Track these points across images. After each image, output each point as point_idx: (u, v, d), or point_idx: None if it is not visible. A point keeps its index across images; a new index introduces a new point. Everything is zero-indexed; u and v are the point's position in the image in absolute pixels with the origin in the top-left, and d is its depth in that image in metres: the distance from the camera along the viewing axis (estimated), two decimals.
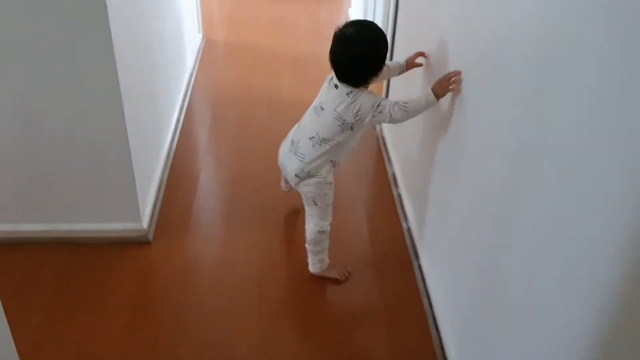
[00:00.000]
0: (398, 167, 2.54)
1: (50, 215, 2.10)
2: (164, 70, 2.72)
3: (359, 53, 1.69)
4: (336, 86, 1.73)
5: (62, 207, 2.08)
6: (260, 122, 3.07)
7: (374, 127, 3.02)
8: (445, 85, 1.61)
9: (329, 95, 1.75)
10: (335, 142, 1.75)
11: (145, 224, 2.15)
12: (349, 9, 4.70)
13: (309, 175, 1.81)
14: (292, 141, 1.85)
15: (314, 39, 4.21)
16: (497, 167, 1.33)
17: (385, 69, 1.79)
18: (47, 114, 1.87)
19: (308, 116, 1.84)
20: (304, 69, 3.72)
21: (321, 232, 1.89)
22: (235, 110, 3.20)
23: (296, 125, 1.92)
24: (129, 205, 2.09)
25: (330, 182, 1.84)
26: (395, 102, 1.67)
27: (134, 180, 2.03)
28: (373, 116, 1.69)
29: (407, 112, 1.66)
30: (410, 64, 1.95)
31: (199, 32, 4.08)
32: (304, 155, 1.79)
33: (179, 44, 3.18)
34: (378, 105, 1.67)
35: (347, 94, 1.70)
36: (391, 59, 2.63)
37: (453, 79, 1.59)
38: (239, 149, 2.81)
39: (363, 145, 2.81)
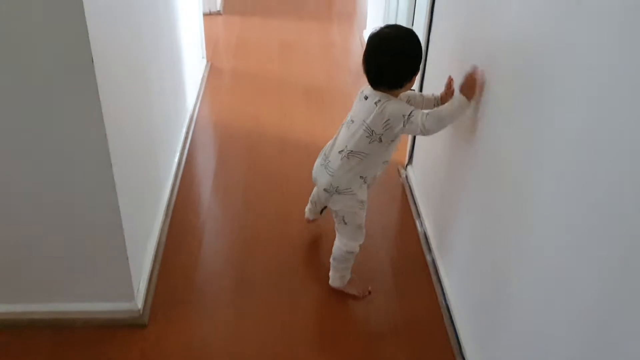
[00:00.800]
0: (421, 194, 2.22)
1: (28, 294, 1.78)
2: (163, 109, 2.40)
3: (391, 53, 1.64)
4: (366, 97, 1.70)
5: (41, 284, 1.76)
6: (272, 166, 2.75)
7: (399, 173, 2.69)
8: (472, 84, 1.60)
9: (358, 107, 1.72)
10: (363, 154, 1.71)
11: (139, 302, 1.83)
12: (364, 31, 4.39)
13: (338, 191, 1.76)
14: (325, 155, 1.82)
15: (328, 65, 3.90)
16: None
17: (419, 97, 1.82)
18: (21, 175, 1.56)
19: (341, 131, 1.80)
20: (318, 98, 3.40)
21: (349, 252, 1.86)
22: (243, 152, 2.88)
23: (332, 139, 1.85)
24: (120, 281, 1.77)
25: (362, 201, 1.79)
26: (428, 112, 1.62)
27: (126, 251, 1.71)
28: (403, 126, 1.63)
29: (440, 118, 1.61)
30: (444, 98, 1.83)
31: (203, 58, 3.78)
32: (333, 169, 1.75)
33: (180, 78, 2.87)
34: (409, 115, 1.62)
35: (376, 103, 1.65)
36: (421, 84, 2.41)
37: (476, 75, 1.58)
38: (248, 201, 2.48)
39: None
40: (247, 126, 3.10)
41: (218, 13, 4.78)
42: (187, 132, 2.95)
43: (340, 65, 3.94)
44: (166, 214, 2.30)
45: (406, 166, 2.68)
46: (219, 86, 3.56)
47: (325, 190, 1.78)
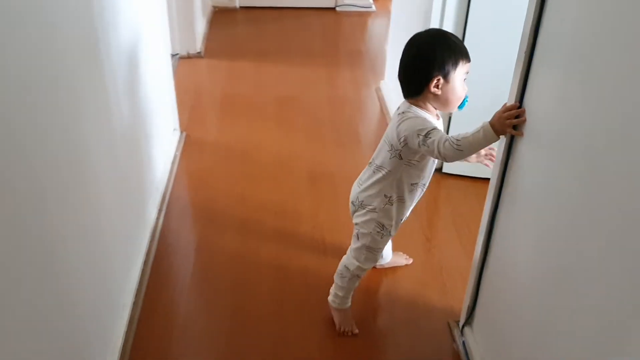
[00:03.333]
0: None
1: None
2: (111, 224, 1.50)
3: (412, 54, 1.52)
4: (398, 108, 1.59)
5: None
6: (267, 297, 1.86)
7: None
8: (506, 123, 1.33)
9: (392, 120, 1.59)
10: (386, 171, 1.60)
11: None
12: (381, 82, 3.50)
13: (362, 205, 1.67)
14: (364, 171, 1.71)
15: (339, 133, 2.99)
16: None
17: None
18: None
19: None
20: (328, 185, 2.50)
21: (347, 268, 1.76)
22: (228, 279, 1.98)
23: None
24: None
25: (382, 225, 1.66)
26: (448, 137, 1.42)
27: None
28: (419, 146, 1.47)
29: (460, 150, 1.41)
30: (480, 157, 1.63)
31: (176, 129, 2.87)
32: (362, 181, 1.69)
33: (138, 179, 1.96)
34: (427, 133, 1.45)
35: (399, 114, 1.55)
36: None
37: (515, 113, 1.32)
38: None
39: None
40: (232, 238, 2.20)
41: (198, 55, 3.88)
42: (149, 250, 2.05)
43: (355, 133, 3.04)
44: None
45: (463, 326, 1.78)
46: (196, 169, 2.65)
47: (352, 202, 1.71)
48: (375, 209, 1.65)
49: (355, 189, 1.71)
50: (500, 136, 1.41)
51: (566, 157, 1.17)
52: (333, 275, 1.82)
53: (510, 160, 1.45)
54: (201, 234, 2.25)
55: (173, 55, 3.83)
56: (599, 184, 1.04)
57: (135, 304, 1.84)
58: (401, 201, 1.65)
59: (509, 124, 1.34)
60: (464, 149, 1.42)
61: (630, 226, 0.94)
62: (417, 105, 1.55)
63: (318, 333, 1.83)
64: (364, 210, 1.66)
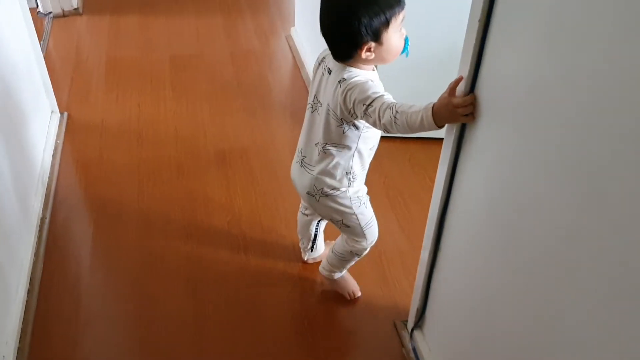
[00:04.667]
0: None
1: None
2: None
3: (332, 23, 1.26)
4: (329, 71, 1.33)
5: None
6: (177, 307, 1.54)
7: None
8: (458, 112, 1.08)
9: (323, 83, 1.36)
10: (341, 146, 1.37)
11: None
12: (292, 29, 3.11)
13: (323, 193, 1.43)
14: (300, 149, 1.48)
15: (248, 98, 2.62)
16: None
17: None
18: None
19: (307, 115, 1.45)
20: (240, 164, 2.17)
21: (354, 253, 1.58)
22: (129, 288, 1.65)
23: (303, 127, 1.48)
24: None
25: (359, 196, 1.46)
26: (393, 103, 1.20)
27: None
28: (361, 116, 1.26)
29: (396, 123, 1.19)
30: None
31: (54, 111, 2.40)
32: (312, 166, 1.44)
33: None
34: (371, 102, 1.22)
35: (339, 82, 1.28)
36: None
37: (470, 101, 1.06)
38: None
39: None
40: (134, 223, 1.85)
41: (76, 12, 3.31)
42: (37, 251, 1.67)
43: (267, 96, 2.68)
44: None
45: (412, 330, 1.55)
46: (85, 160, 2.23)
47: (308, 193, 1.47)
48: (341, 189, 1.44)
49: (305, 176, 1.46)
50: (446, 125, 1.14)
51: (531, 141, 0.90)
52: (256, 275, 1.59)
53: (461, 149, 1.18)
54: (95, 237, 1.88)
55: (45, 14, 3.26)
56: (567, 177, 0.80)
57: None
58: (363, 166, 1.46)
59: (462, 112, 1.05)
60: (399, 124, 1.19)
61: (588, 224, 0.79)
62: (352, 66, 1.30)
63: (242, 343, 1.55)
64: (330, 198, 1.46)
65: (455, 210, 1.25)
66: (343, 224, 1.52)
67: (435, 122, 1.13)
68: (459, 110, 1.08)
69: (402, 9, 1.23)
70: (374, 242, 1.57)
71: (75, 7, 3.31)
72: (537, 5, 0.86)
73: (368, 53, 1.25)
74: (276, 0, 3.56)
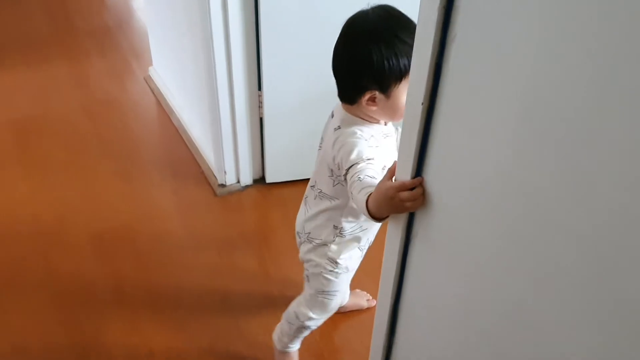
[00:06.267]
0: None
1: None
2: None
3: (346, 55, 1.11)
4: (332, 114, 1.23)
5: None
6: None
7: None
8: (405, 206, 0.88)
9: (328, 124, 1.24)
10: (330, 197, 1.24)
11: None
12: (150, 68, 2.76)
13: (308, 238, 1.31)
14: (310, 185, 1.33)
15: (115, 158, 2.25)
16: None
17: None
18: None
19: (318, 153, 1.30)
20: (124, 249, 1.82)
21: (296, 317, 1.41)
22: None
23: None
24: None
25: (335, 262, 1.28)
26: (364, 176, 1.04)
27: None
28: (345, 180, 1.11)
29: (354, 199, 1.06)
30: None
31: None
32: (309, 207, 1.31)
33: None
34: (353, 165, 1.08)
35: (335, 129, 1.16)
36: None
37: (419, 191, 0.87)
38: None
39: None
40: None
41: None
42: None
43: (136, 151, 2.32)
44: None
45: None
46: None
47: (297, 233, 1.35)
48: (324, 242, 1.29)
49: (301, 215, 1.35)
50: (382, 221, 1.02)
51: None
52: None
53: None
54: None
55: None
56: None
57: None
58: (353, 233, 1.29)
59: (407, 203, 0.88)
60: (354, 200, 1.05)
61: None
62: (354, 114, 1.16)
63: None
64: (311, 245, 1.32)
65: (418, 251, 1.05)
66: (307, 277, 1.36)
67: (371, 215, 0.98)
68: (407, 204, 0.88)
69: None
70: (318, 321, 1.41)
71: None
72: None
73: (371, 103, 1.10)
74: (127, 36, 3.16)
